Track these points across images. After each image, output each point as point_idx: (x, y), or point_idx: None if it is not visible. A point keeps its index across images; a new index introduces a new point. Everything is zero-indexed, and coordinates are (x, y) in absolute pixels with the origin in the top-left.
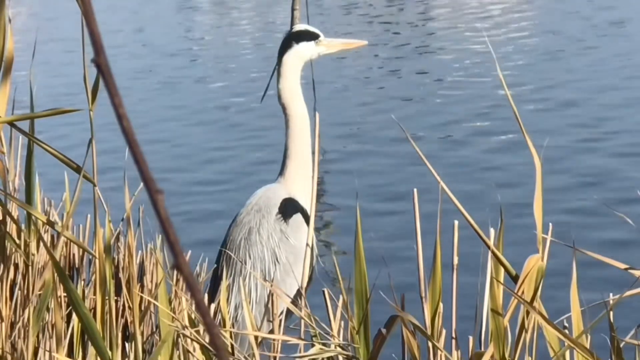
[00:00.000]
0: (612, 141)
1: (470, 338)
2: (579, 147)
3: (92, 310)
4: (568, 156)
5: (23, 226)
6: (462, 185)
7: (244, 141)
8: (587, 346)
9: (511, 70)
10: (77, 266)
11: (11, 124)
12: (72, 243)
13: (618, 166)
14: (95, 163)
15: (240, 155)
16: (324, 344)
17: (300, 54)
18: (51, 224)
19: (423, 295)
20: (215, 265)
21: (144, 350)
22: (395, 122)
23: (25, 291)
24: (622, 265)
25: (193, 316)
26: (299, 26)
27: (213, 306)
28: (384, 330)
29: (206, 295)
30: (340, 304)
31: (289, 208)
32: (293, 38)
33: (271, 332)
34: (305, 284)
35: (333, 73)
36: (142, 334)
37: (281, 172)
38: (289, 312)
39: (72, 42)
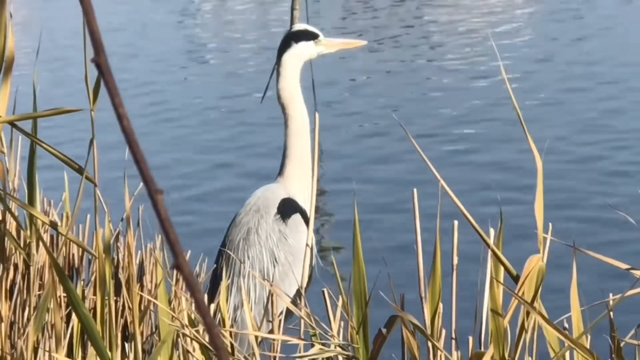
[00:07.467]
0: (616, 139)
1: (470, 338)
2: (581, 146)
3: (92, 310)
4: (569, 154)
5: (23, 226)
6: (463, 184)
7: (243, 140)
8: (587, 346)
9: (514, 67)
10: (77, 266)
11: (12, 123)
12: (72, 243)
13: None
14: (97, 163)
15: (239, 154)
16: (323, 344)
17: (299, 54)
18: (52, 224)
19: (423, 295)
20: (215, 266)
21: (143, 351)
22: (396, 121)
23: (25, 291)
24: (623, 265)
25: (193, 316)
26: (298, 26)
27: (213, 306)
28: (384, 330)
29: (206, 296)
30: (340, 304)
31: (287, 208)
32: (292, 38)
33: (271, 332)
34: (305, 284)
35: (333, 73)
36: (141, 334)
37: (280, 172)
38: (288, 312)
39: (73, 40)
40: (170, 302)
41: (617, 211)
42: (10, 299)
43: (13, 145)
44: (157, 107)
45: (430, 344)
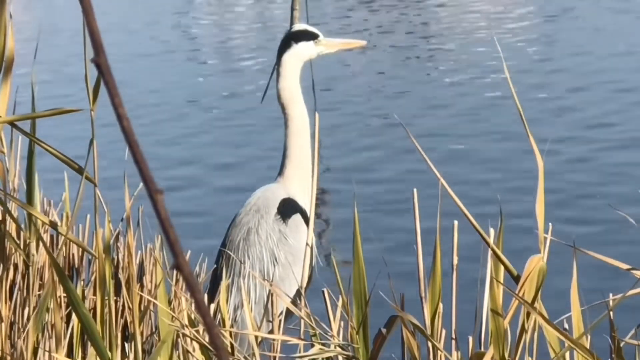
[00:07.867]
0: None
1: (470, 338)
2: (580, 145)
3: (92, 311)
4: (569, 155)
5: (23, 226)
6: (463, 184)
7: (244, 140)
8: (587, 346)
9: (515, 69)
10: (76, 266)
11: (12, 124)
12: (71, 243)
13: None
14: (96, 163)
15: (240, 154)
16: (323, 344)
17: (299, 54)
18: (52, 224)
19: (423, 295)
20: (215, 266)
21: (143, 351)
22: (396, 122)
23: (25, 291)
24: (624, 266)
25: (193, 316)
26: (298, 26)
27: (213, 306)
28: (384, 330)
29: (206, 296)
30: (340, 304)
31: (287, 208)
32: (292, 38)
33: (271, 332)
34: (305, 284)
35: (333, 73)
36: (141, 334)
37: (280, 172)
38: (288, 312)
39: (73, 39)
40: (170, 302)
41: (618, 211)
42: (10, 299)
43: (13, 145)
44: (156, 107)
45: (430, 344)
